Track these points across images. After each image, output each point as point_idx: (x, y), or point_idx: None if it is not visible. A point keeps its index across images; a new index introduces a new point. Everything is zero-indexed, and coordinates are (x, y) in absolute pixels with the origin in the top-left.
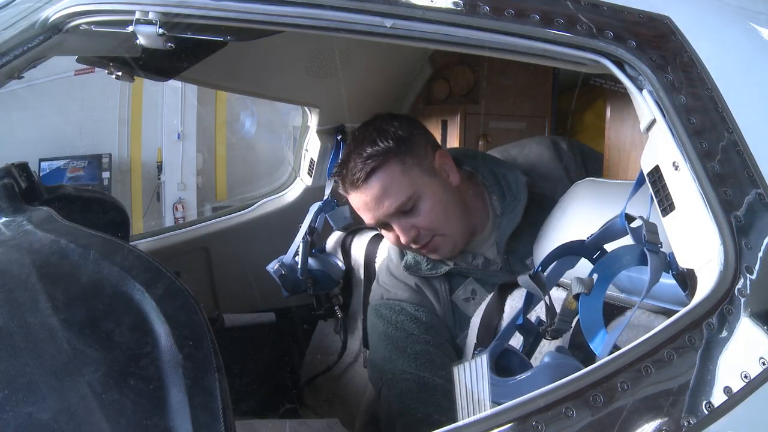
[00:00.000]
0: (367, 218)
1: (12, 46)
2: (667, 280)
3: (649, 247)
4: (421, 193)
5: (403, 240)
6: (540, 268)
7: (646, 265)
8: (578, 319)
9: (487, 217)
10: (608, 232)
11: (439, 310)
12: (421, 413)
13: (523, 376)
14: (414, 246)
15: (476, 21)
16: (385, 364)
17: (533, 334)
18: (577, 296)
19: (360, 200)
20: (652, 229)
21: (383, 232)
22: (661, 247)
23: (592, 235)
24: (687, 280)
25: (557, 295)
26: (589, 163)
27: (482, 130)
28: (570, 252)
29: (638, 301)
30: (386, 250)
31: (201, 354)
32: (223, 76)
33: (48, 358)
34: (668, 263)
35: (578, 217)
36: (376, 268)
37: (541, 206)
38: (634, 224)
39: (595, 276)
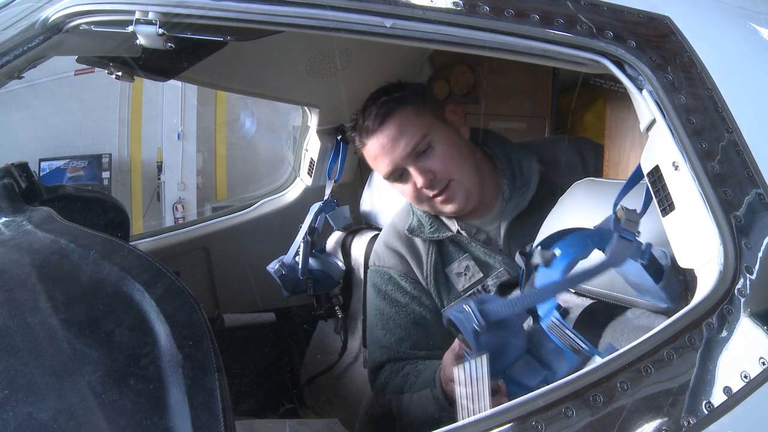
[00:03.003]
0: (384, 165)
1: (12, 46)
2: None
3: (623, 233)
4: (435, 136)
5: (419, 183)
6: (538, 247)
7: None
8: (576, 322)
9: (497, 198)
10: (602, 227)
11: (422, 279)
12: (386, 380)
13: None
14: (431, 193)
15: (476, 21)
16: (371, 330)
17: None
18: (536, 267)
19: (377, 145)
20: (631, 217)
21: (399, 186)
22: (638, 236)
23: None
24: (658, 270)
25: (569, 298)
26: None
27: None
28: (592, 234)
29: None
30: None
31: (201, 354)
32: (223, 76)
33: (48, 358)
34: (641, 252)
35: (577, 216)
36: None
37: (552, 197)
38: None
39: (557, 251)
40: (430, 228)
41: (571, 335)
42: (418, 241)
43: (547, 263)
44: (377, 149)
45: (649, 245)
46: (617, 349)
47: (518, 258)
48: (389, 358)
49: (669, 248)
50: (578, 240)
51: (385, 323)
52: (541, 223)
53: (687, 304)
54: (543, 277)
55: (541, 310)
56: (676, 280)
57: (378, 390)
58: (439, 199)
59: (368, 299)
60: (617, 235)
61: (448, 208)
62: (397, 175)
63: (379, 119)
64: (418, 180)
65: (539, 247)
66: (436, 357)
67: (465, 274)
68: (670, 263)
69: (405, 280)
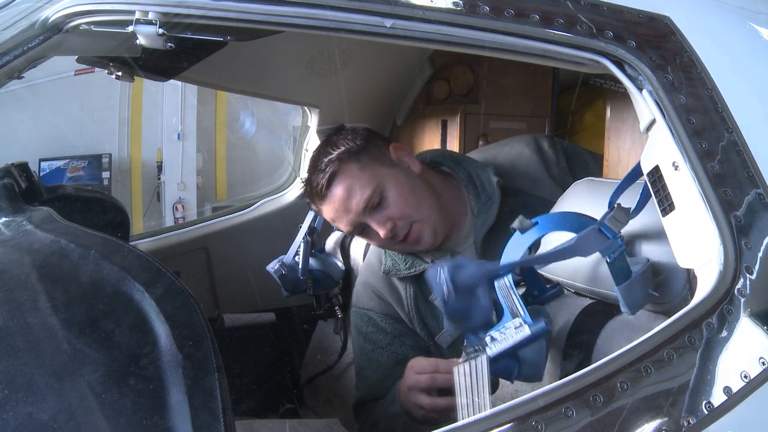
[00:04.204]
0: (344, 225)
1: (12, 46)
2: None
3: (603, 228)
4: (385, 184)
5: (382, 234)
6: (539, 221)
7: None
8: (575, 322)
9: (466, 216)
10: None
11: (405, 316)
12: (366, 416)
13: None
14: (396, 240)
15: (476, 21)
16: (357, 370)
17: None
18: (512, 230)
19: (331, 209)
20: (619, 216)
21: (365, 238)
22: (619, 236)
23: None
24: (621, 272)
25: (568, 300)
26: (574, 162)
27: (482, 130)
28: (574, 219)
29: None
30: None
31: (201, 354)
32: (223, 76)
33: (48, 358)
34: (612, 250)
35: None
36: None
37: (518, 203)
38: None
39: (536, 223)
40: (405, 265)
41: (515, 299)
42: (395, 279)
43: (523, 230)
44: (332, 213)
45: (623, 248)
46: (547, 327)
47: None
48: (372, 397)
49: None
50: (559, 219)
51: (369, 363)
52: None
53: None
54: (514, 243)
55: (501, 270)
56: (641, 291)
57: (360, 425)
58: (408, 242)
59: (352, 340)
60: (595, 227)
61: (419, 247)
62: (359, 230)
63: (325, 183)
64: (380, 231)
65: (521, 216)
66: None
67: None
68: (642, 270)
69: (385, 320)
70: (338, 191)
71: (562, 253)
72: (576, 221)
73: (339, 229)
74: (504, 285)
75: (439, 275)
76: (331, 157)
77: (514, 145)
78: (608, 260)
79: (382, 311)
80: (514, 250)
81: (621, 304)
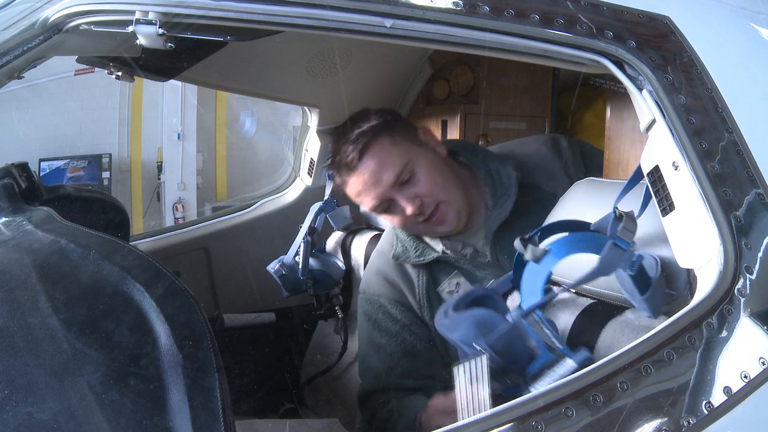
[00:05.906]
0: (369, 199)
1: (12, 46)
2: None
3: (618, 240)
4: (416, 162)
5: (409, 210)
6: (538, 233)
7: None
8: (576, 322)
9: (481, 208)
10: (600, 226)
11: (415, 304)
12: (373, 412)
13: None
14: (421, 218)
15: (476, 21)
16: (363, 358)
17: None
18: (526, 262)
19: (359, 181)
20: (629, 226)
21: (387, 216)
22: (633, 246)
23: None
24: (645, 282)
25: (568, 297)
26: (590, 161)
27: (482, 130)
28: (572, 228)
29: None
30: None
31: (201, 354)
32: (223, 76)
33: (48, 358)
34: (632, 262)
35: (577, 215)
36: None
37: (534, 199)
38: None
39: (549, 249)
40: (415, 252)
41: (548, 333)
42: (407, 266)
43: (537, 260)
44: (360, 185)
45: (640, 256)
46: (590, 356)
47: (518, 243)
48: (378, 388)
49: (666, 249)
50: (572, 242)
51: (377, 351)
52: (526, 229)
53: (670, 316)
54: (531, 273)
55: (525, 304)
56: (660, 294)
57: (365, 417)
58: (432, 221)
59: (359, 327)
60: (611, 243)
61: (441, 229)
62: (384, 206)
63: (357, 154)
64: (408, 208)
65: (530, 245)
66: (424, 386)
67: (456, 292)
68: (658, 274)
69: (396, 308)
70: (370, 162)
71: (587, 278)
72: (589, 239)
73: (361, 206)
74: (534, 321)
75: (478, 349)
76: (363, 129)
77: (532, 143)
78: (631, 273)
79: (394, 298)
80: (534, 281)
81: (644, 312)
